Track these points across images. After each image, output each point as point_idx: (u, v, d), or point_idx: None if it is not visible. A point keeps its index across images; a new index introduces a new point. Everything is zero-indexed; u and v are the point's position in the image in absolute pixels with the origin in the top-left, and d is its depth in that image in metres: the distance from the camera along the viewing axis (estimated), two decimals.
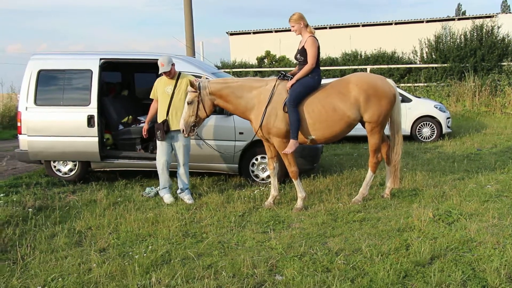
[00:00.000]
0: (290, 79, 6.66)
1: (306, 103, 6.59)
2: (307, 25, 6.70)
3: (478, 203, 6.49)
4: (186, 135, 6.83)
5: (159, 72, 7.01)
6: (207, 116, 6.89)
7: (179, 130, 6.96)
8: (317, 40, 6.65)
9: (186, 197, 7.33)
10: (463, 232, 5.30)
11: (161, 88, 7.19)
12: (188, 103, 6.67)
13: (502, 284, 4.01)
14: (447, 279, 4.15)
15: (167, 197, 7.40)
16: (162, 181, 7.43)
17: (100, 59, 8.39)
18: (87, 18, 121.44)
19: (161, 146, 7.27)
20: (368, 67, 21.41)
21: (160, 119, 7.15)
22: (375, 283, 4.15)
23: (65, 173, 8.72)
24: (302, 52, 6.64)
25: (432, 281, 4.11)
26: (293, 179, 6.85)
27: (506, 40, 20.53)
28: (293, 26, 6.67)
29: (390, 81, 6.89)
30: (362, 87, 6.54)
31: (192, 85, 6.61)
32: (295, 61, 6.96)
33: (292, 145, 6.54)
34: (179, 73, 7.26)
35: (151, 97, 7.43)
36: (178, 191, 7.46)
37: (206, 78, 7.23)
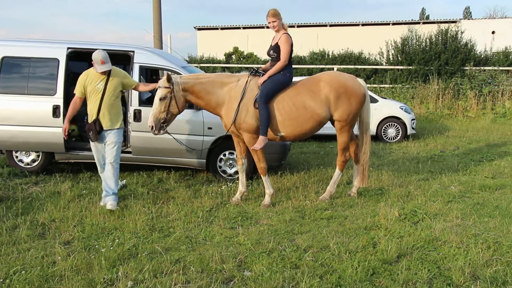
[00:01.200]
0: (262, 75, 6.65)
1: (277, 100, 6.59)
2: (282, 23, 6.71)
3: (442, 203, 6.64)
4: (156, 133, 6.63)
5: (100, 71, 6.38)
6: (179, 113, 6.76)
7: (110, 129, 6.56)
8: (291, 37, 6.66)
9: (109, 202, 6.47)
10: (428, 231, 5.41)
11: (91, 85, 6.47)
12: (160, 99, 6.51)
13: (467, 282, 4.11)
14: (414, 277, 4.22)
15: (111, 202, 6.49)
16: (113, 185, 6.58)
17: (68, 48, 8.19)
18: (50, 8, 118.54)
19: (95, 148, 6.71)
20: (335, 67, 21.60)
21: (91, 118, 6.52)
22: (344, 280, 4.19)
23: (28, 164, 8.49)
24: (275, 48, 6.63)
25: (399, 278, 4.18)
26: (261, 175, 6.84)
27: (469, 45, 21.03)
28: (273, 21, 6.63)
29: (360, 80, 6.96)
30: (333, 85, 6.59)
31: (168, 79, 6.49)
32: (264, 58, 6.96)
33: (261, 141, 6.54)
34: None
35: (76, 93, 6.60)
36: (103, 193, 6.68)
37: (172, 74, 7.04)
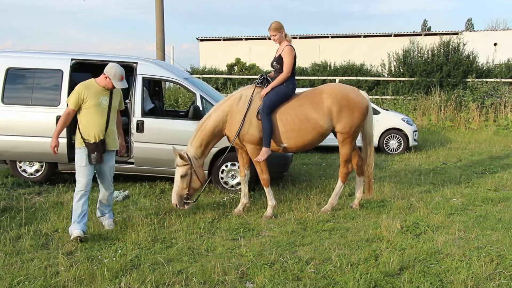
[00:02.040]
0: (266, 86, 6.70)
1: (279, 112, 6.63)
2: (285, 34, 6.77)
3: (444, 215, 6.64)
4: (181, 208, 6.73)
5: (119, 87, 5.82)
6: (202, 186, 6.88)
7: (112, 150, 6.03)
8: (294, 49, 6.71)
9: (107, 222, 6.17)
10: (430, 244, 5.41)
11: (93, 99, 5.74)
12: (181, 177, 6.60)
13: None
14: None
15: (76, 230, 5.59)
16: (79, 213, 5.70)
17: (72, 59, 8.26)
18: (53, 17, 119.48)
19: (86, 171, 5.76)
20: (337, 78, 21.66)
21: (93, 137, 5.74)
22: None
23: (31, 174, 8.53)
24: (279, 60, 6.69)
25: None
26: (264, 187, 6.86)
27: (471, 57, 21.07)
28: (274, 35, 6.72)
29: (363, 93, 7.00)
30: (336, 97, 6.62)
31: (182, 157, 6.58)
32: (266, 69, 7.02)
33: (264, 152, 6.56)
34: None
35: (70, 104, 5.75)
36: (98, 214, 6.24)
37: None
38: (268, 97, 6.59)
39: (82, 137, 5.74)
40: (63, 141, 7.94)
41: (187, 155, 6.64)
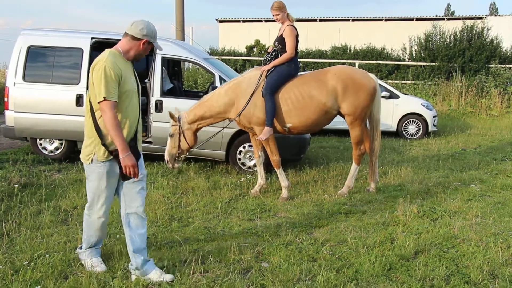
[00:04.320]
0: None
1: (282, 91, 6.66)
2: (287, 14, 6.75)
3: (462, 201, 6.59)
4: (171, 167, 6.86)
5: (159, 51, 4.26)
6: (191, 147, 6.90)
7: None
8: (296, 29, 6.70)
9: (154, 275, 4.05)
10: (447, 229, 5.39)
11: (128, 81, 3.89)
12: (170, 136, 6.76)
13: (485, 280, 4.10)
14: (431, 273, 4.22)
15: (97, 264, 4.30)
16: (97, 237, 4.32)
17: (92, 38, 8.30)
18: None
19: (108, 183, 4.00)
20: (357, 62, 21.47)
21: (128, 135, 3.93)
22: (360, 274, 4.21)
23: (51, 151, 8.65)
24: (280, 40, 6.70)
25: (416, 274, 4.18)
26: (275, 168, 6.89)
27: (495, 42, 20.69)
28: (277, 15, 6.70)
29: (372, 75, 6.95)
30: (341, 77, 6.61)
31: (172, 117, 6.65)
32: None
33: (266, 132, 6.57)
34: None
35: (111, 96, 3.70)
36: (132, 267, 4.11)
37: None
38: (271, 77, 6.61)
39: (106, 143, 3.87)
40: (82, 119, 8.00)
41: (178, 116, 6.72)
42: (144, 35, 3.87)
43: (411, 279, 4.12)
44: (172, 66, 10.43)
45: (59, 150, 8.64)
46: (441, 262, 4.48)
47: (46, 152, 8.65)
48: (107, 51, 3.83)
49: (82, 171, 7.78)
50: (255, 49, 26.63)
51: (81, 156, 4.05)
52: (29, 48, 8.29)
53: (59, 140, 8.57)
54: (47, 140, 8.62)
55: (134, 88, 3.94)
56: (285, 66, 6.68)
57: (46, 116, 8.16)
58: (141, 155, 4.10)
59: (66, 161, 8.59)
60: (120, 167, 3.86)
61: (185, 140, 6.75)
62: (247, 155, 8.21)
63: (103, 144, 3.85)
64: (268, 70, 6.67)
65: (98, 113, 3.84)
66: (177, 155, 6.80)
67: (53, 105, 8.14)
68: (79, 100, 8.03)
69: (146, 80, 8.50)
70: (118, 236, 5.04)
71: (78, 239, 4.87)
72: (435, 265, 4.40)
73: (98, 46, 8.67)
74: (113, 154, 3.86)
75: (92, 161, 3.94)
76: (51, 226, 5.34)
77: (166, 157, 6.78)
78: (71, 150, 8.67)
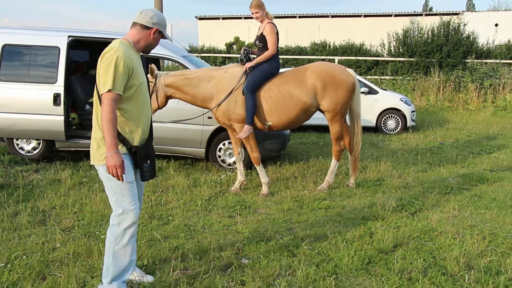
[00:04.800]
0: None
1: (263, 90, 6.66)
2: (266, 12, 6.76)
3: (440, 194, 6.68)
4: None
5: (170, 42, 3.80)
6: (158, 108, 6.82)
7: None
8: (276, 26, 6.71)
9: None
10: (424, 222, 5.46)
11: (140, 74, 3.62)
12: None
13: (461, 271, 4.16)
14: (409, 266, 4.27)
15: None
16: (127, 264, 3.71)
17: (68, 36, 8.20)
18: None
19: (132, 190, 3.64)
20: (336, 58, 21.58)
21: (140, 138, 3.66)
22: (340, 268, 4.25)
23: (28, 152, 8.54)
24: (261, 38, 6.70)
25: (395, 267, 4.23)
26: (255, 165, 6.90)
27: (471, 38, 20.98)
28: (257, 12, 6.68)
29: (350, 71, 6.98)
30: (319, 74, 6.63)
31: (152, 73, 6.57)
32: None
33: (246, 130, 6.58)
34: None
35: (116, 88, 3.39)
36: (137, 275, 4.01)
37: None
38: (252, 75, 6.61)
39: (123, 138, 3.56)
40: (60, 118, 7.95)
41: (156, 74, 6.66)
42: (155, 23, 3.61)
43: (389, 272, 4.17)
44: (152, 64, 10.35)
45: (37, 150, 8.53)
46: (419, 255, 4.54)
47: (23, 153, 8.54)
48: (117, 41, 3.55)
49: (61, 171, 7.72)
50: (234, 46, 26.62)
51: (93, 160, 3.61)
52: (4, 46, 8.16)
53: (37, 140, 8.47)
54: (24, 140, 8.51)
55: (145, 81, 3.71)
56: (267, 64, 6.69)
57: (23, 116, 8.04)
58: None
59: (44, 161, 8.49)
60: (141, 166, 3.62)
61: (156, 99, 6.68)
62: (227, 152, 8.21)
63: (121, 140, 3.52)
64: (250, 68, 6.67)
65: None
66: None
67: (29, 105, 8.03)
68: (56, 99, 7.94)
69: None
70: (97, 233, 5.01)
71: (56, 239, 4.83)
72: (413, 258, 4.45)
73: (75, 44, 8.60)
74: (132, 151, 3.59)
75: None
76: (29, 227, 5.28)
77: None
78: (49, 150, 8.57)
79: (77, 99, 8.84)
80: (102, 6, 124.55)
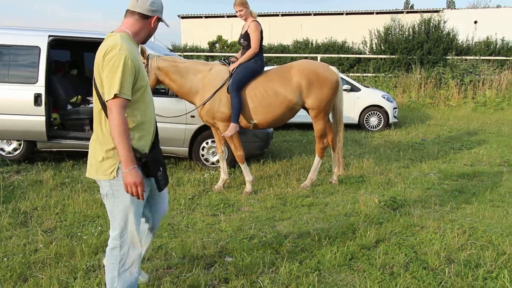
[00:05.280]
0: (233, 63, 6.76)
1: (248, 88, 6.68)
2: (250, 10, 6.78)
3: (421, 190, 6.76)
4: None
5: (167, 27, 3.57)
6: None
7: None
8: (260, 24, 6.74)
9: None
10: (406, 218, 5.52)
11: (145, 74, 3.23)
12: None
13: (442, 265, 4.22)
14: (391, 261, 4.32)
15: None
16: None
17: (49, 36, 8.12)
18: None
19: (141, 208, 3.32)
20: (319, 56, 21.68)
21: (149, 142, 3.26)
22: (323, 264, 4.28)
23: (9, 153, 8.44)
24: (245, 37, 6.72)
25: (377, 262, 4.27)
26: (239, 163, 6.92)
27: (451, 35, 21.24)
28: (240, 11, 6.70)
29: (333, 68, 7.04)
30: (304, 72, 6.67)
31: (143, 53, 6.53)
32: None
33: (232, 128, 6.59)
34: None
35: (125, 94, 2.97)
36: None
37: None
38: (237, 73, 6.62)
39: (135, 146, 3.11)
40: (41, 119, 7.88)
41: (148, 55, 6.65)
42: (154, 10, 3.19)
43: (371, 267, 4.21)
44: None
45: (18, 151, 8.44)
46: (401, 250, 4.59)
47: (3, 154, 8.44)
48: (116, 35, 3.09)
49: (42, 172, 7.65)
50: (217, 45, 26.60)
51: (97, 173, 3.19)
52: None
53: (18, 141, 8.38)
54: (5, 141, 8.41)
55: (148, 81, 3.26)
56: (251, 62, 6.70)
57: (3, 117, 7.93)
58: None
59: (25, 162, 8.40)
60: (155, 175, 3.19)
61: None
62: (210, 151, 8.21)
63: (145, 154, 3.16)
64: (234, 69, 6.68)
65: None
66: None
67: (10, 105, 7.93)
68: (37, 99, 7.86)
69: None
70: (79, 233, 4.98)
71: (38, 240, 4.80)
72: (395, 253, 4.50)
73: (56, 44, 8.53)
74: (142, 161, 3.12)
75: (117, 173, 3.11)
76: (10, 228, 5.22)
77: None
78: (30, 151, 8.48)
79: (58, 99, 8.77)
80: (86, 4, 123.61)
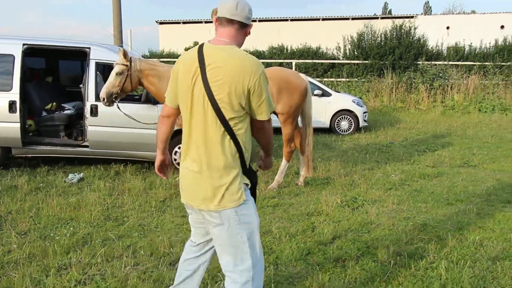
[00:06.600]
0: None
1: None
2: None
3: (382, 190, 7.13)
4: (107, 105, 7.13)
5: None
6: (131, 91, 7.30)
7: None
8: None
9: None
10: (364, 216, 5.87)
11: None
12: (116, 74, 7.06)
13: (390, 258, 4.56)
14: (344, 255, 4.65)
15: None
16: None
17: (23, 44, 8.31)
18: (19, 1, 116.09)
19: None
20: (294, 61, 22.07)
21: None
22: (280, 259, 4.59)
23: None
24: None
25: (331, 256, 4.60)
26: None
27: (422, 41, 21.83)
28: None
29: (302, 75, 7.38)
30: (275, 80, 6.98)
31: (125, 56, 6.92)
32: None
33: None
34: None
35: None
36: None
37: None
38: None
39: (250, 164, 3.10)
40: (16, 125, 8.05)
41: (130, 58, 7.05)
42: (249, 18, 2.90)
43: (326, 261, 4.53)
44: (108, 71, 10.51)
45: None
46: (355, 245, 4.92)
47: None
48: (239, 50, 2.86)
49: (17, 177, 7.82)
50: None
51: (224, 202, 2.82)
52: None
53: None
54: None
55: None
56: None
57: None
58: None
59: (0, 168, 8.55)
60: (255, 194, 3.06)
61: (130, 82, 7.08)
62: None
63: (245, 173, 2.98)
64: None
65: (240, 128, 2.88)
66: (115, 95, 7.12)
67: None
68: (12, 106, 8.02)
69: (81, 85, 8.62)
70: (52, 235, 5.21)
71: (12, 242, 5.01)
72: (349, 248, 4.84)
73: (31, 52, 8.72)
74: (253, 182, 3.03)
75: (245, 195, 2.88)
76: None
77: (103, 94, 7.07)
78: (5, 157, 8.62)
79: (33, 106, 8.93)
80: (59, 9, 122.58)
